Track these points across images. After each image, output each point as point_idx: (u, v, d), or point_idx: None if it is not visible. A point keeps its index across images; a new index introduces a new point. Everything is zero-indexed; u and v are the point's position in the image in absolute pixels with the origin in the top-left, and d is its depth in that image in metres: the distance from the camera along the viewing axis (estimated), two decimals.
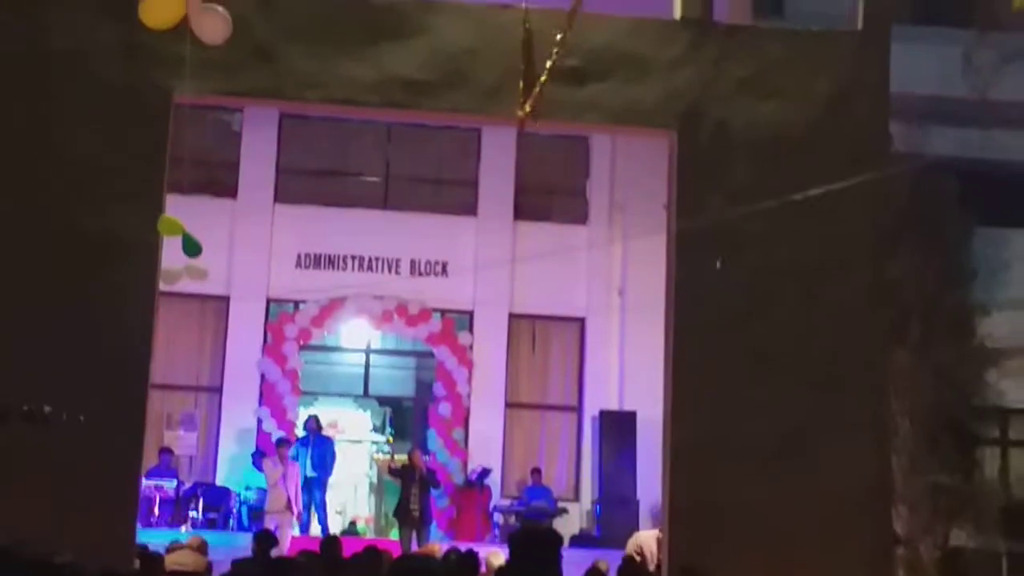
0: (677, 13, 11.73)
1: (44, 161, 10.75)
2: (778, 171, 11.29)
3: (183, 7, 8.70)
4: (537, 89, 10.36)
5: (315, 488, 17.79)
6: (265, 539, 11.55)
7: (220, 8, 9.15)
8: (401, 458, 18.59)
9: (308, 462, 17.74)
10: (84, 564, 3.20)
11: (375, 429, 21.04)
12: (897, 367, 13.10)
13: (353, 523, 19.44)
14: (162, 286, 11.29)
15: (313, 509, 17.80)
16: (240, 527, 17.71)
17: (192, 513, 17.56)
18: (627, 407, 19.39)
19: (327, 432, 19.04)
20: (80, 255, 10.68)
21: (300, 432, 18.64)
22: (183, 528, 16.63)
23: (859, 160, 11.36)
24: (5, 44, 10.83)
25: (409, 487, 16.82)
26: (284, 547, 15.03)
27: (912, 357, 14.70)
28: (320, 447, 18.18)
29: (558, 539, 5.54)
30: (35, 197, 10.70)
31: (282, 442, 17.40)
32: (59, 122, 10.82)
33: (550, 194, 21.08)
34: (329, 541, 11.31)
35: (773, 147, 11.37)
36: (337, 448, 18.98)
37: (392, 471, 17.60)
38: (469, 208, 20.50)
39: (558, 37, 9.59)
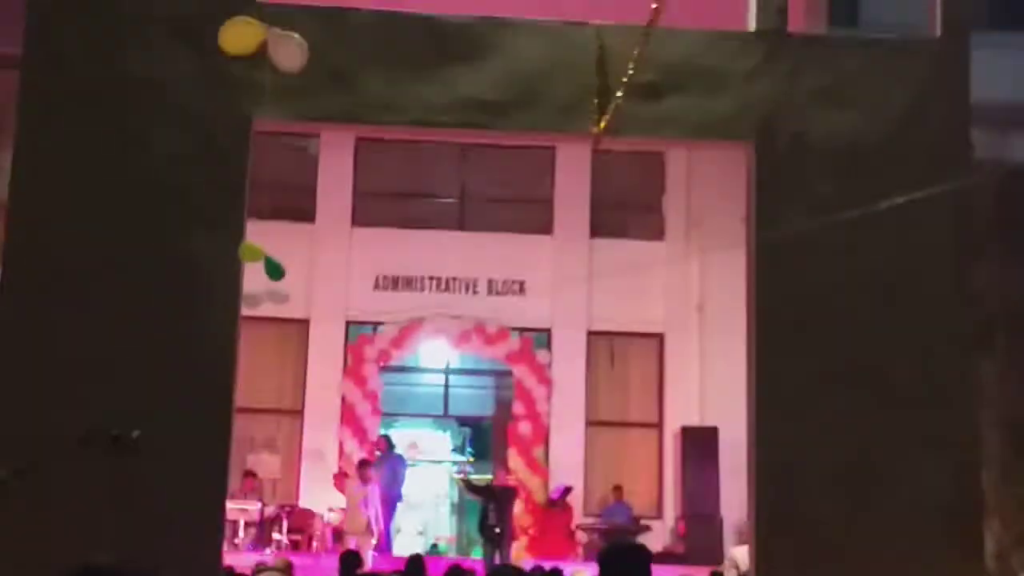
0: (752, 25, 11.67)
1: (125, 189, 10.90)
2: (858, 181, 11.17)
3: (261, 34, 8.80)
4: (613, 105, 10.38)
5: (383, 506, 17.77)
6: (350, 560, 11.60)
7: (296, 36, 9.25)
8: (485, 477, 18.63)
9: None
10: None
11: (455, 449, 21.10)
12: (983, 377, 12.89)
13: (435, 544, 19.48)
14: (244, 310, 11.40)
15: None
16: (324, 549, 17.80)
17: (276, 535, 17.68)
18: (708, 423, 19.25)
19: (404, 452, 19.11)
20: (163, 282, 10.81)
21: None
22: (268, 550, 16.75)
23: (940, 169, 11.22)
24: (86, 74, 11.01)
25: (488, 505, 16.81)
26: (366, 568, 15.07)
27: (998, 367, 14.47)
28: (391, 466, 18.20)
29: (648, 555, 5.50)
30: (117, 225, 10.84)
31: (364, 463, 17.47)
32: (139, 150, 10.97)
33: (626, 210, 21.05)
34: (414, 560, 11.35)
35: (853, 157, 11.25)
36: (417, 468, 18.94)
37: (471, 488, 17.62)
38: (545, 226, 20.52)
39: (635, 53, 9.58)
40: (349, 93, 11.28)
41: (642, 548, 5.80)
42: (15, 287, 10.84)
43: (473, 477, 19.29)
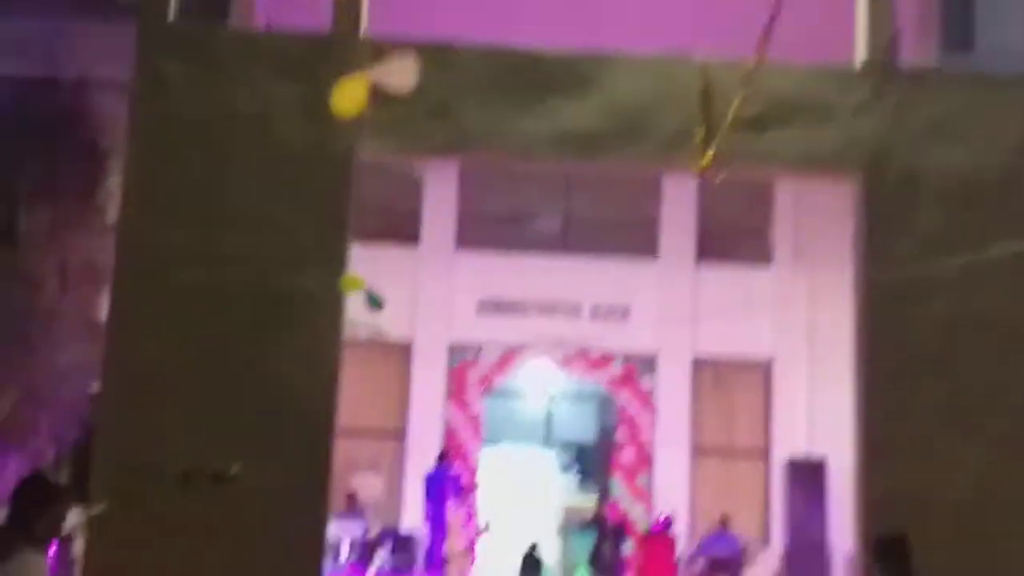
0: (861, 57, 11.47)
1: (231, 221, 11.04)
2: (969, 218, 10.91)
3: (367, 82, 8.81)
4: (717, 140, 10.22)
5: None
6: None
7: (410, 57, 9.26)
8: (588, 506, 18.50)
9: None
10: None
11: (558, 474, 20.99)
12: None
13: None
14: (346, 333, 11.46)
15: None
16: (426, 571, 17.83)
17: (378, 557, 17.74)
18: (816, 452, 18.93)
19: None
20: (267, 312, 10.92)
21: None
22: (370, 572, 16.81)
23: None
24: (194, 110, 11.18)
25: (602, 537, 16.74)
26: None
27: None
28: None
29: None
30: (223, 256, 10.99)
31: (463, 489, 17.42)
32: (245, 183, 11.11)
33: (733, 235, 20.77)
34: None
35: (963, 194, 11.00)
36: (520, 492, 18.78)
37: (589, 521, 17.51)
38: (650, 251, 20.33)
39: (740, 88, 9.44)
40: (450, 126, 11.30)
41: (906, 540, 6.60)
42: (123, 313, 11.03)
43: (579, 501, 19.13)
